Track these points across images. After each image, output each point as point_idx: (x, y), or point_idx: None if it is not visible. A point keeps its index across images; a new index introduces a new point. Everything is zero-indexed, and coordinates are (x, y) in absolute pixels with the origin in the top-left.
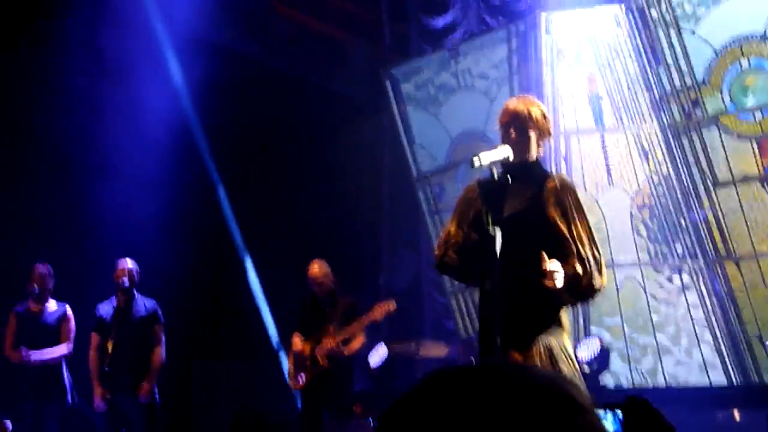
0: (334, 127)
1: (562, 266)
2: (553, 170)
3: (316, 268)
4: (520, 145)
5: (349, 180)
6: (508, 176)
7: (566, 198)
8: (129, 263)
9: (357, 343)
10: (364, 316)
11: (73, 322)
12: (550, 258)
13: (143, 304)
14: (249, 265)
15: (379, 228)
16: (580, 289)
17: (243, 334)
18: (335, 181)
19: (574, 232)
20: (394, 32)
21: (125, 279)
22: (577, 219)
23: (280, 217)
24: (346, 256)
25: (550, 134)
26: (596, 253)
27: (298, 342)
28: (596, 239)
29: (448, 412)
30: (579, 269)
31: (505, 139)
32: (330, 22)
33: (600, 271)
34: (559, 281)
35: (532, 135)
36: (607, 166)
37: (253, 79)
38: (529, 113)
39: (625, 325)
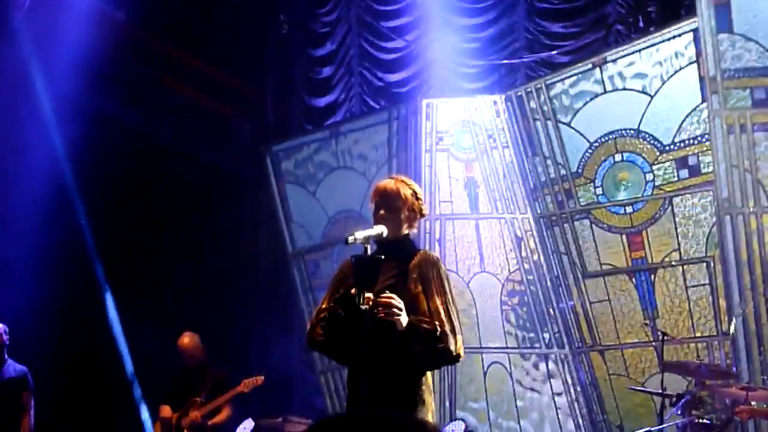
0: (217, 201)
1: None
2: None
3: (187, 339)
4: (390, 223)
5: (228, 254)
6: (381, 254)
7: (429, 271)
8: None
9: (222, 415)
10: (232, 390)
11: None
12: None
13: (13, 367)
14: (119, 331)
15: (254, 303)
16: (436, 347)
17: (110, 403)
18: (214, 255)
19: (432, 306)
20: (277, 110)
21: None
22: (435, 293)
23: (154, 286)
24: (219, 329)
25: (422, 214)
26: (454, 323)
27: (166, 410)
28: (455, 312)
29: None
30: (436, 328)
31: (376, 216)
32: (216, 98)
33: (455, 340)
34: (401, 318)
35: (402, 213)
36: (480, 251)
37: (137, 149)
38: (398, 191)
39: (490, 410)
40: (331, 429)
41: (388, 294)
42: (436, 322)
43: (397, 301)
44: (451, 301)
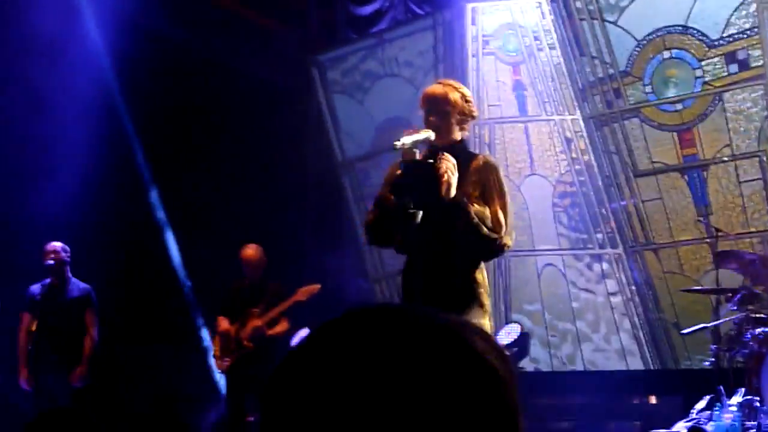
0: (264, 113)
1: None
2: None
3: (251, 251)
4: (441, 128)
5: (277, 166)
6: (431, 159)
7: (489, 177)
8: (56, 245)
9: (281, 326)
10: (289, 299)
11: None
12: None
13: (76, 287)
14: (174, 247)
15: (306, 213)
16: (490, 231)
17: (167, 317)
18: (263, 167)
19: (491, 210)
20: (321, 19)
21: (50, 260)
22: (493, 198)
23: (205, 201)
24: (271, 240)
25: (473, 117)
26: (507, 225)
27: (224, 323)
28: (509, 220)
29: (340, 353)
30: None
31: (426, 123)
32: (260, 10)
33: (509, 235)
34: (451, 178)
35: (452, 117)
36: (530, 154)
37: (181, 64)
38: (446, 95)
39: (545, 311)
40: (356, 323)
41: (447, 156)
42: (496, 221)
43: (453, 165)
44: (507, 206)
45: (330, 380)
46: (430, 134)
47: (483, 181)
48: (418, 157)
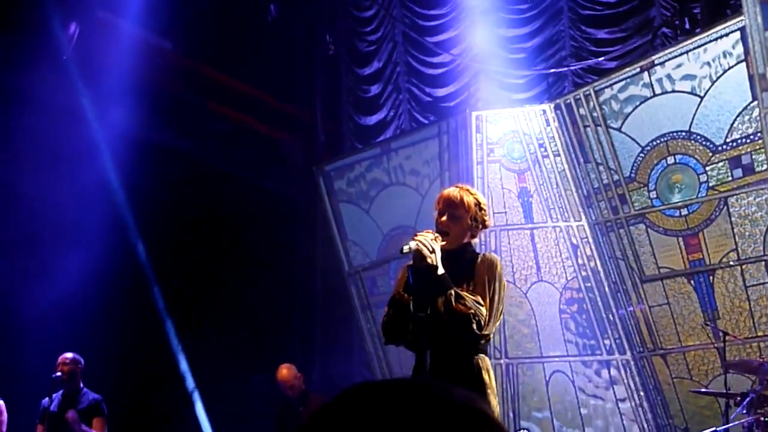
0: (271, 223)
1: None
2: None
3: (285, 371)
4: (451, 232)
5: (284, 276)
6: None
7: (482, 269)
8: (68, 356)
9: None
10: None
11: (5, 415)
12: None
13: (87, 397)
14: (184, 364)
15: (314, 322)
16: (461, 308)
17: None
18: (271, 277)
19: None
20: (327, 130)
21: (60, 371)
22: (481, 285)
23: (215, 311)
24: (280, 350)
25: (485, 225)
26: (489, 316)
27: None
28: (493, 311)
29: (358, 426)
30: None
31: (438, 222)
32: (265, 121)
33: (484, 316)
34: (432, 257)
35: (464, 223)
36: (537, 261)
37: (189, 175)
38: (462, 200)
39: (554, 418)
40: (367, 397)
41: (426, 234)
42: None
43: (430, 243)
44: (495, 297)
45: None
46: (434, 244)
47: (478, 272)
48: (429, 260)
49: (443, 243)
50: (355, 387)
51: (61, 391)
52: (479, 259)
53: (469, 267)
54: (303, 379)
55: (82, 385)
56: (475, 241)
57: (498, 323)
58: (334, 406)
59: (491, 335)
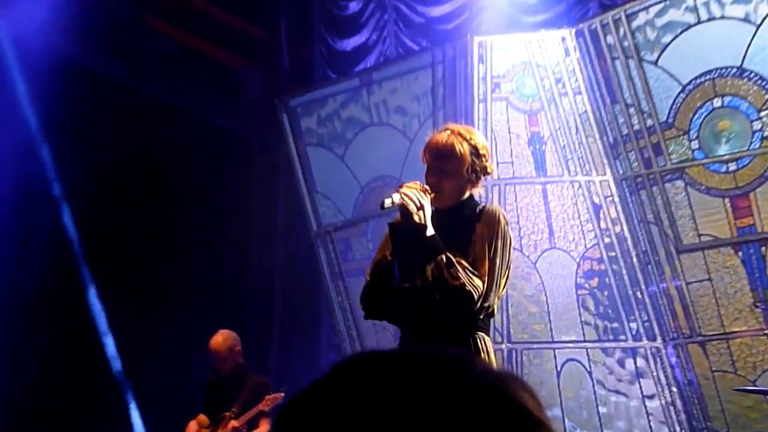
0: (218, 168)
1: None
2: None
3: (220, 339)
4: (444, 189)
5: (237, 235)
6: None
7: (482, 226)
8: None
9: (261, 430)
10: (254, 408)
11: None
12: None
13: None
14: (109, 335)
15: (272, 295)
16: (452, 278)
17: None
18: (219, 237)
19: (476, 250)
20: (294, 56)
21: None
22: (485, 243)
23: (149, 282)
24: (230, 327)
25: (486, 172)
26: (490, 281)
27: (192, 427)
28: (501, 275)
29: (356, 405)
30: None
31: (427, 180)
32: (218, 43)
33: (487, 294)
34: (418, 215)
35: (459, 176)
36: (549, 223)
37: (122, 106)
38: (453, 149)
39: (565, 418)
40: (371, 369)
41: (413, 186)
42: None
43: (417, 197)
44: (497, 258)
45: None
46: (423, 198)
47: (477, 233)
48: (416, 218)
49: (436, 202)
50: (354, 358)
51: None
52: (485, 218)
53: (468, 227)
54: (242, 355)
55: None
56: (479, 191)
57: (502, 293)
58: (327, 382)
59: (494, 308)
